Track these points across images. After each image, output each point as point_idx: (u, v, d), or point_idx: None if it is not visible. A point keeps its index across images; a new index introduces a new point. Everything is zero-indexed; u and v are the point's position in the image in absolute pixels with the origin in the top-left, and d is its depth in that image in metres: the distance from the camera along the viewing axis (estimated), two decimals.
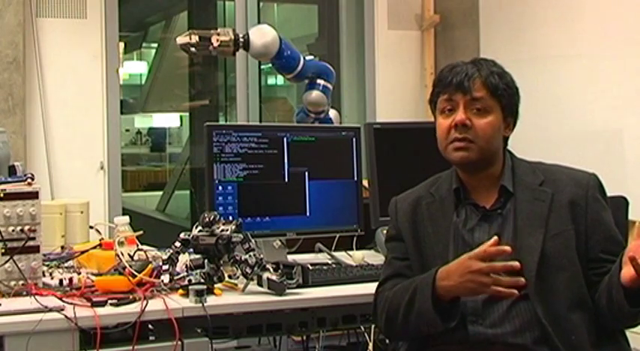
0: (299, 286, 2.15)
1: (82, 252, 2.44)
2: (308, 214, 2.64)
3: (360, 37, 5.28)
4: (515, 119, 1.95)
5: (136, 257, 2.25)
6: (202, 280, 2.08)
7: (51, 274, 2.26)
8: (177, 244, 2.17)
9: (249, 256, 2.12)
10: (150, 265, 2.14)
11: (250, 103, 5.02)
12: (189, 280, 2.07)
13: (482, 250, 1.71)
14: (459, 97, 1.88)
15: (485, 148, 1.88)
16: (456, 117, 1.88)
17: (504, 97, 1.89)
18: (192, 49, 2.93)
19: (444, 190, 1.98)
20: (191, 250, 2.18)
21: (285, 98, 7.21)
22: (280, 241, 2.61)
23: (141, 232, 2.41)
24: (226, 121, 6.38)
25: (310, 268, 2.28)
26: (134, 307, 1.94)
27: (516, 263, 1.69)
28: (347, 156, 2.72)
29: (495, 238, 1.72)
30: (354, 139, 2.73)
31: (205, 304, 2.00)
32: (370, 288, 2.06)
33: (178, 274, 2.14)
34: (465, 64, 1.92)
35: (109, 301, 1.96)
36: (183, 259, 2.19)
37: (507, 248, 1.69)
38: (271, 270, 2.13)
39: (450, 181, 1.97)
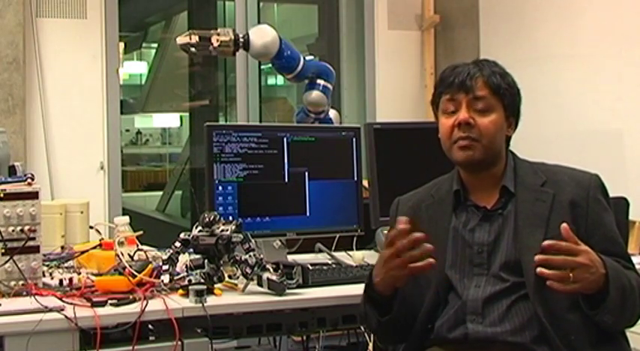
0: (299, 286, 2.14)
1: (82, 252, 2.44)
2: (308, 214, 2.64)
3: (360, 37, 5.28)
4: (517, 120, 1.96)
5: (136, 257, 2.25)
6: (202, 280, 2.07)
7: (51, 274, 2.26)
8: (177, 244, 2.17)
9: (249, 256, 2.12)
10: (150, 265, 2.14)
11: (250, 103, 5.02)
12: (189, 280, 2.07)
13: (387, 237, 1.75)
14: (462, 97, 1.89)
15: (488, 147, 1.89)
16: (459, 116, 1.88)
17: (506, 96, 1.90)
18: (192, 49, 2.93)
19: (443, 192, 1.99)
20: (191, 250, 2.18)
21: (285, 98, 7.21)
22: (280, 241, 2.61)
23: (141, 232, 2.41)
24: (226, 121, 6.38)
25: (310, 268, 2.27)
26: (134, 307, 1.94)
27: (415, 235, 1.70)
28: (347, 156, 2.71)
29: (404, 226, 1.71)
30: (354, 139, 2.73)
31: (205, 304, 1.99)
32: None
33: (178, 274, 2.14)
34: (466, 65, 1.93)
35: (109, 301, 1.96)
36: (183, 259, 2.19)
37: (403, 226, 1.71)
38: (271, 270, 2.12)
39: (451, 183, 1.98)
